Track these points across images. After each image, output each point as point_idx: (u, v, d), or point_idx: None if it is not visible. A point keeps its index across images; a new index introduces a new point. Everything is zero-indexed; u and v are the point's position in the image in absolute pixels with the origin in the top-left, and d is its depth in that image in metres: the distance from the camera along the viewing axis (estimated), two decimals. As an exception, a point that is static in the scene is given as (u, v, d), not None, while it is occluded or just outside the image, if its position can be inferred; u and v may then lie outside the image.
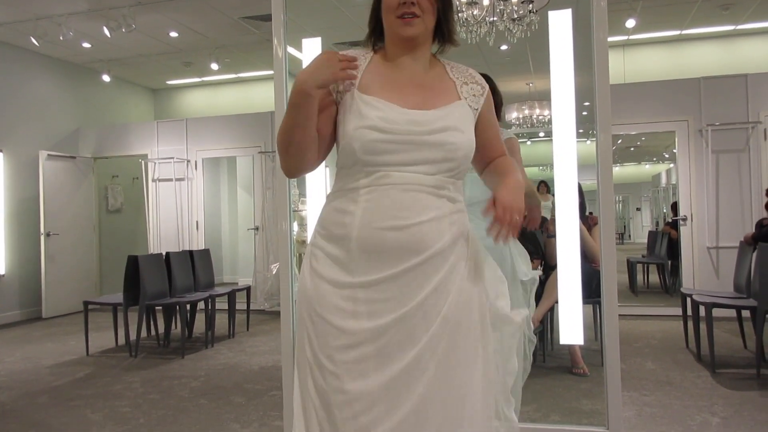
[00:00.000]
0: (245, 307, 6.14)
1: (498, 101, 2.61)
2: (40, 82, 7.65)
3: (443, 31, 1.48)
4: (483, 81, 1.51)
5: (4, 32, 6.78)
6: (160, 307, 5.34)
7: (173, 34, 7.07)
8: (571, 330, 2.62)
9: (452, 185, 1.40)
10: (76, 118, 8.19)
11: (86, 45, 7.30)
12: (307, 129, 1.37)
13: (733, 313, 4.56)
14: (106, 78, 8.04)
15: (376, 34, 1.50)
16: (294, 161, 1.42)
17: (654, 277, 7.90)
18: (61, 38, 6.38)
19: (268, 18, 6.44)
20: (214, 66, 7.72)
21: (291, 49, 2.87)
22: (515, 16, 4.45)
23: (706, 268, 6.14)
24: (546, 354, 4.36)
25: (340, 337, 1.34)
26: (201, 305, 5.61)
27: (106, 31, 6.31)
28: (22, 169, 7.25)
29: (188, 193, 7.68)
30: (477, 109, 1.47)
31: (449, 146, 1.36)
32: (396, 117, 1.36)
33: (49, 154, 7.42)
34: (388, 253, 1.34)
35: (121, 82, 9.01)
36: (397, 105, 1.38)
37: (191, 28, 6.86)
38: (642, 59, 7.82)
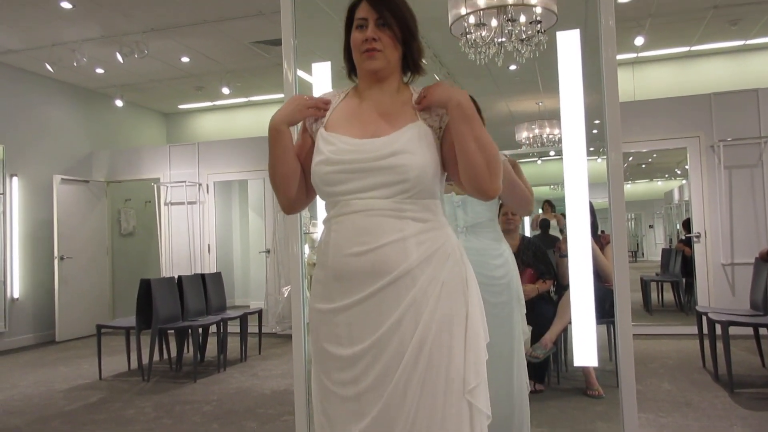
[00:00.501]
0: (257, 331, 6.13)
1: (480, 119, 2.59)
2: (54, 107, 7.77)
3: (408, 63, 1.56)
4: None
5: (20, 58, 6.91)
6: (173, 331, 5.35)
7: (185, 59, 7.17)
8: (585, 351, 2.59)
9: (414, 205, 1.43)
10: (90, 143, 8.29)
11: (99, 70, 7.42)
12: (286, 162, 1.53)
13: (750, 331, 4.49)
14: (119, 103, 8.15)
15: (354, 71, 1.60)
16: (284, 195, 1.57)
17: (668, 296, 7.81)
18: (75, 64, 6.49)
19: (278, 43, 6.52)
20: (226, 90, 7.81)
21: (301, 73, 2.90)
22: (523, 37, 4.48)
23: (722, 285, 6.06)
24: (560, 376, 4.31)
25: (333, 360, 1.45)
26: (213, 329, 5.60)
27: (119, 57, 6.41)
28: (36, 193, 7.34)
29: (200, 216, 7.73)
30: (441, 127, 1.50)
31: (400, 168, 1.41)
32: (345, 148, 1.45)
33: (62, 178, 7.50)
34: (356, 278, 1.42)
35: (133, 107, 9.13)
36: (353, 136, 1.47)
37: (203, 53, 6.96)
38: (651, 76, 7.82)
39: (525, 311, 2.71)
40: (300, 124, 1.61)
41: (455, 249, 1.48)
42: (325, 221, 1.51)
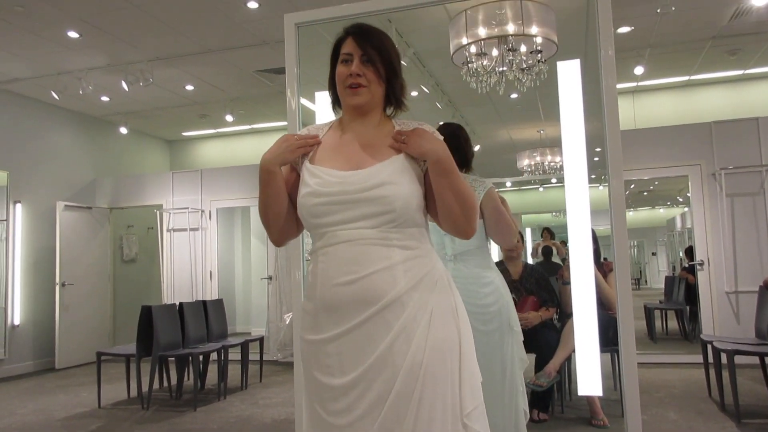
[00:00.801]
0: (258, 358, 6.08)
1: (467, 151, 2.62)
2: (58, 134, 7.84)
3: (390, 98, 1.60)
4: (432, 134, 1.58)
5: (26, 86, 6.99)
6: (173, 358, 5.31)
7: (189, 87, 7.25)
8: (589, 380, 2.56)
9: (400, 234, 1.46)
10: (94, 169, 8.34)
11: (105, 98, 7.50)
12: (278, 202, 1.56)
13: (756, 360, 4.44)
14: (123, 130, 8.22)
15: (338, 103, 1.64)
16: (275, 231, 1.61)
17: (673, 323, 7.75)
18: (80, 92, 6.56)
19: (282, 71, 6.60)
20: (229, 118, 7.87)
21: (304, 101, 2.93)
22: (524, 66, 4.53)
23: (726, 313, 6.02)
24: (564, 405, 4.25)
25: (325, 389, 1.45)
26: (214, 356, 5.56)
27: (125, 85, 6.49)
28: (39, 219, 7.35)
29: (202, 242, 7.73)
30: (425, 160, 1.52)
31: (384, 199, 1.44)
32: (331, 180, 1.48)
33: (66, 205, 7.53)
34: (345, 307, 1.43)
35: (137, 134, 9.21)
36: (337, 169, 1.50)
37: (207, 81, 7.04)
38: (652, 105, 7.87)
39: (522, 338, 2.68)
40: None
41: (442, 275, 1.50)
42: (312, 253, 1.53)
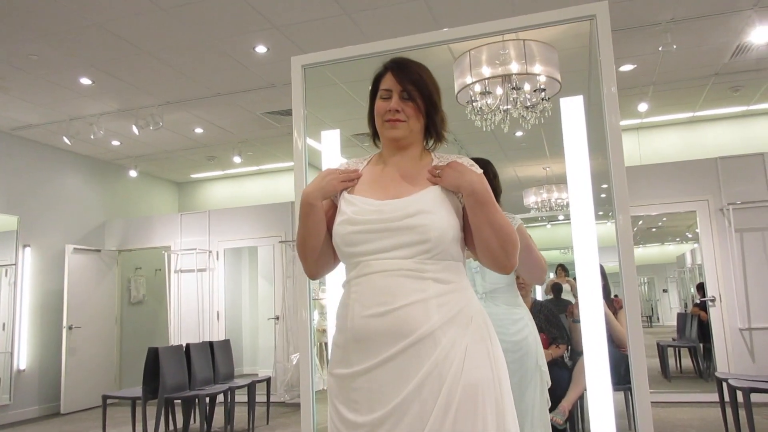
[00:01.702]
0: (265, 399, 6.00)
1: (496, 187, 2.62)
2: (69, 178, 7.93)
3: (431, 132, 1.60)
4: (470, 167, 1.56)
5: (38, 132, 7.11)
6: (179, 401, 5.25)
7: (198, 130, 7.35)
8: (602, 420, 2.51)
9: (435, 266, 1.43)
10: (103, 212, 8.41)
11: (115, 143, 7.61)
12: (317, 235, 1.55)
13: (773, 398, 4.34)
14: (133, 173, 8.31)
15: (377, 136, 1.64)
16: (313, 264, 1.59)
17: (687, 361, 7.61)
18: (92, 137, 6.67)
19: (288, 113, 6.69)
20: (237, 159, 7.96)
21: (311, 141, 2.96)
22: (528, 104, 4.57)
23: (740, 350, 5.92)
24: (578, 445, 4.15)
25: (351, 427, 1.40)
26: (220, 398, 5.49)
27: (135, 130, 6.59)
28: (48, 263, 7.38)
29: (210, 283, 7.72)
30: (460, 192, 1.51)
31: (420, 228, 1.42)
32: (367, 209, 1.47)
33: (75, 248, 7.56)
34: (376, 339, 1.38)
35: (146, 177, 9.31)
36: (375, 198, 1.49)
37: (215, 124, 7.14)
38: (657, 141, 7.90)
39: (548, 377, 2.65)
40: None
41: (478, 312, 1.46)
42: (345, 284, 1.50)
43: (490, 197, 1.45)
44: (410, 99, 1.54)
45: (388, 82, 1.56)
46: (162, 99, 6.27)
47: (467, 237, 1.51)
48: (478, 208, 1.44)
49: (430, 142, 1.63)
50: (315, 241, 1.55)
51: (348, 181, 1.57)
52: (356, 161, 1.66)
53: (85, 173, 8.19)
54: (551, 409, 3.89)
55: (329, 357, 1.51)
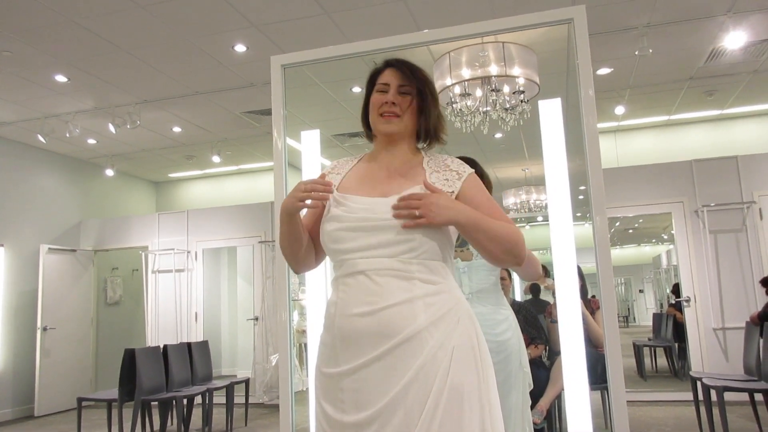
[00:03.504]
0: (244, 401, 5.96)
1: (486, 185, 2.64)
2: (43, 177, 7.80)
3: (424, 129, 1.59)
4: (461, 167, 1.57)
5: (12, 130, 6.98)
6: (156, 402, 5.19)
7: (176, 129, 7.28)
8: (579, 418, 2.54)
9: (421, 266, 1.42)
10: (79, 212, 8.29)
11: (91, 141, 7.51)
12: (297, 240, 1.57)
13: (746, 396, 4.42)
14: (109, 172, 8.20)
15: (370, 134, 1.64)
16: (295, 262, 1.62)
17: (662, 361, 7.72)
18: (67, 135, 6.56)
19: (268, 112, 6.66)
20: (216, 159, 7.89)
21: (290, 141, 2.95)
22: (507, 106, 4.61)
23: (714, 349, 6.02)
24: (555, 444, 4.19)
25: (335, 426, 1.40)
26: (198, 399, 5.45)
27: (112, 128, 6.50)
28: (22, 263, 7.26)
29: (188, 284, 7.65)
30: (453, 192, 1.51)
31: (405, 228, 1.41)
32: (354, 207, 1.47)
33: (50, 248, 7.44)
34: (362, 339, 1.38)
35: (123, 176, 9.19)
36: (363, 196, 1.49)
37: (194, 123, 7.08)
38: (633, 143, 8.01)
39: (530, 378, 2.68)
40: None
41: (466, 313, 1.45)
42: (333, 282, 1.51)
43: (477, 218, 1.43)
44: (407, 94, 1.55)
45: (387, 76, 1.57)
46: (139, 97, 6.20)
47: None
48: (473, 232, 1.44)
49: (425, 143, 1.63)
50: (295, 245, 1.58)
51: (313, 196, 1.49)
52: (346, 160, 1.67)
53: (60, 172, 8.06)
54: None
55: (317, 355, 1.51)
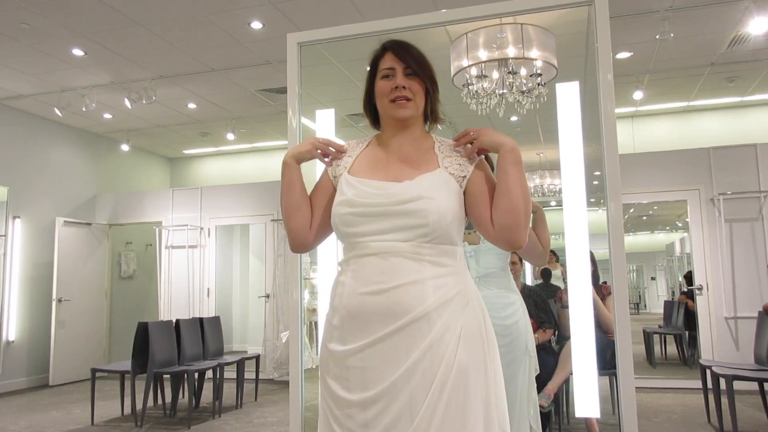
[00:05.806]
0: (254, 376, 6.04)
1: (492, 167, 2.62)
2: (60, 150, 7.87)
3: (428, 112, 1.60)
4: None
5: (29, 103, 7.03)
6: (168, 375, 5.27)
7: (191, 106, 7.29)
8: (587, 402, 2.55)
9: (433, 249, 1.43)
10: (94, 186, 8.36)
11: (107, 116, 7.54)
12: (291, 194, 1.57)
13: (755, 385, 4.41)
14: (124, 147, 8.25)
15: (376, 119, 1.63)
16: (289, 228, 1.59)
17: (672, 348, 7.71)
18: (84, 109, 6.60)
19: (283, 90, 6.65)
20: (230, 136, 7.91)
21: (305, 120, 2.95)
22: (524, 89, 4.56)
23: (725, 338, 6.00)
24: (562, 428, 4.22)
25: (341, 402, 1.41)
26: (209, 374, 5.52)
27: (128, 103, 6.53)
28: (38, 235, 7.35)
29: (200, 260, 7.72)
30: (464, 176, 1.51)
31: (419, 213, 1.41)
32: (368, 191, 1.47)
33: (65, 221, 7.53)
34: (370, 317, 1.39)
35: (138, 151, 9.24)
36: (376, 180, 1.49)
37: (209, 100, 7.08)
38: (651, 129, 7.92)
39: (536, 362, 2.69)
40: (324, 168, 1.64)
41: (474, 296, 1.46)
42: (342, 262, 1.51)
43: (521, 157, 1.48)
44: (415, 75, 1.54)
45: (390, 60, 1.55)
46: (155, 73, 6.21)
47: (474, 215, 1.51)
48: (514, 167, 1.45)
49: (427, 124, 1.63)
50: (288, 199, 1.57)
51: (327, 150, 1.59)
52: (355, 142, 1.65)
53: (76, 146, 8.12)
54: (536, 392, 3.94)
55: (323, 332, 1.52)
